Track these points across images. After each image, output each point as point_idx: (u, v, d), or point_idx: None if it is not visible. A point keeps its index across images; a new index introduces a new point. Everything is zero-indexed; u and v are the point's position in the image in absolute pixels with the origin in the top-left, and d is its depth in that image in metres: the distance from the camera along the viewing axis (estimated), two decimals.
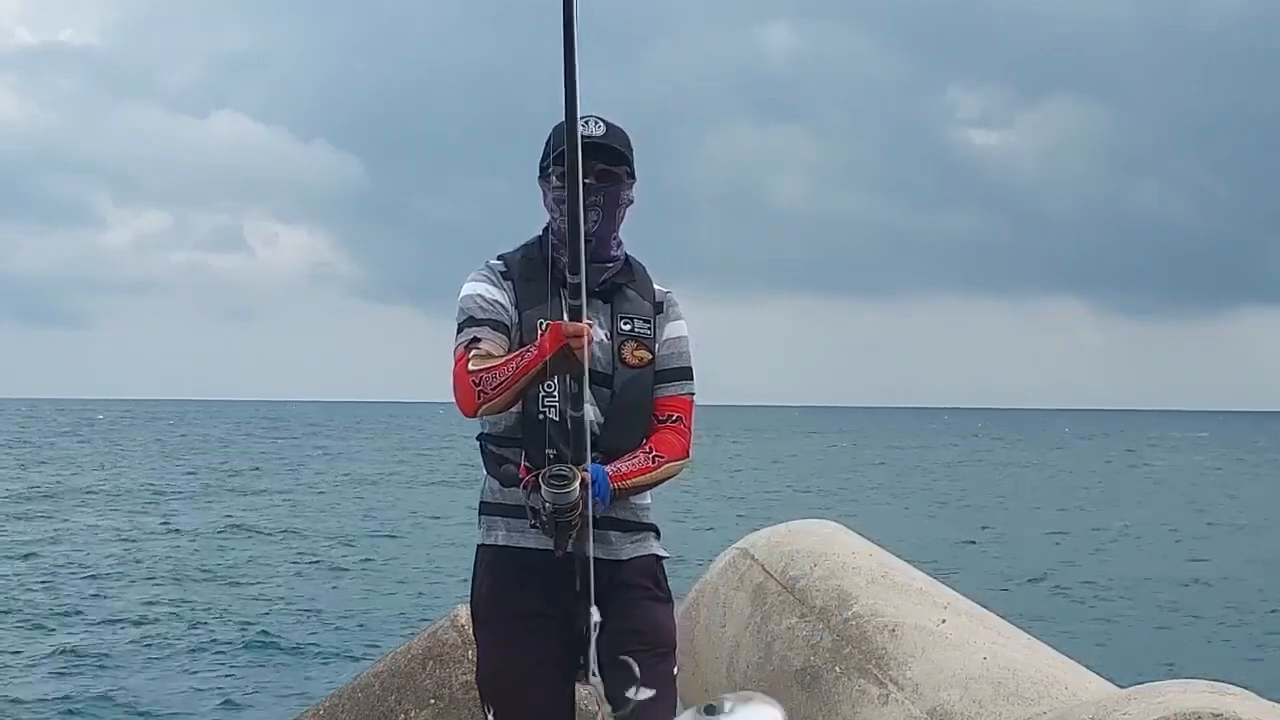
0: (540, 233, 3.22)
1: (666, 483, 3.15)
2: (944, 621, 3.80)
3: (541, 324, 2.99)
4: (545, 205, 3.15)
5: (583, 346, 2.81)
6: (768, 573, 4.30)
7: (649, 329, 3.17)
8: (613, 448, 3.06)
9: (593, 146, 3.00)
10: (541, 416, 2.98)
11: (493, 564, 3.12)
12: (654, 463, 3.10)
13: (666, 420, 3.17)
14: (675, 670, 3.15)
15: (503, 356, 2.98)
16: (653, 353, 3.17)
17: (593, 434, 3.00)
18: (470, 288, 3.14)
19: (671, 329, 3.21)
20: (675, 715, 3.00)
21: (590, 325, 2.86)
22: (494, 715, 3.07)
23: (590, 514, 2.87)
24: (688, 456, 3.19)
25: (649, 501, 3.21)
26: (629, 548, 3.14)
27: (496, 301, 3.11)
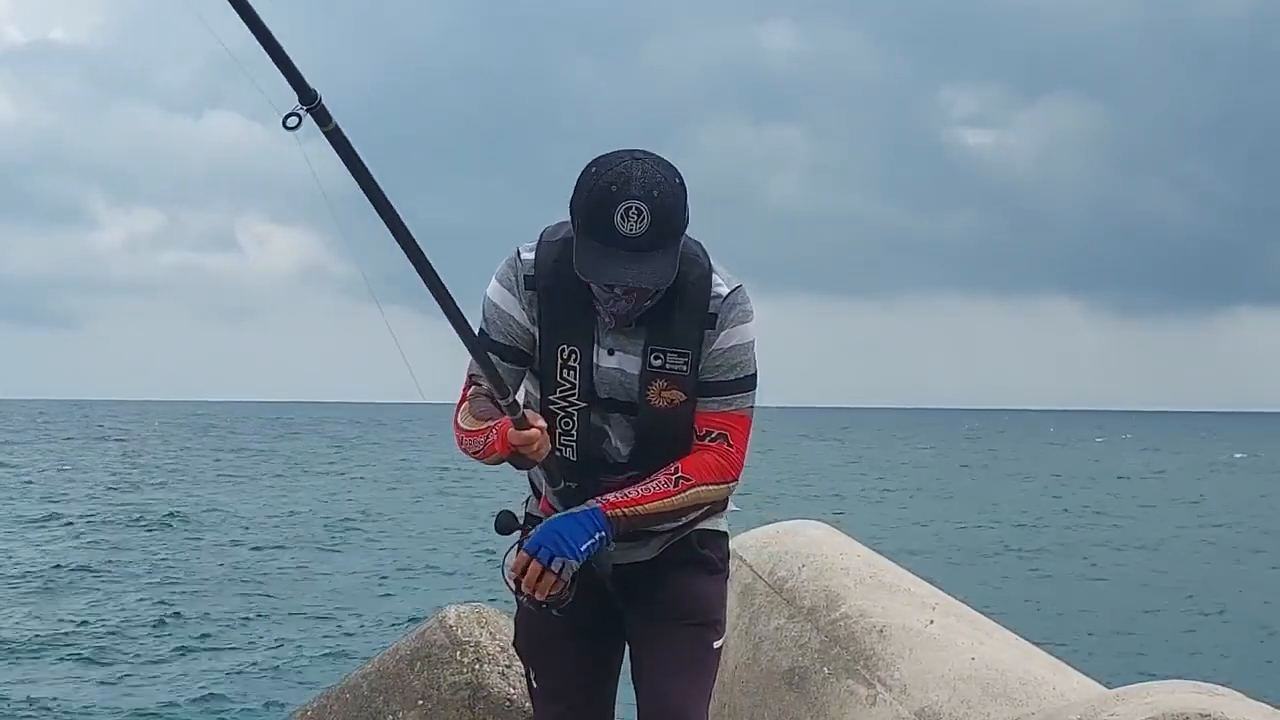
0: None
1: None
2: (932, 622, 3.79)
3: (563, 351, 2.70)
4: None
5: (535, 451, 2.58)
6: (756, 573, 4.29)
7: (684, 364, 2.69)
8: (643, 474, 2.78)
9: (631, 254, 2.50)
10: (559, 451, 2.73)
11: None
12: (677, 486, 2.70)
13: (705, 438, 2.74)
14: (716, 644, 2.87)
15: (483, 425, 2.69)
16: (686, 392, 2.70)
17: (618, 461, 2.78)
18: (490, 291, 2.76)
19: (724, 339, 2.70)
20: (708, 692, 2.86)
21: (539, 426, 2.58)
22: (534, 676, 3.00)
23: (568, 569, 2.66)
24: (731, 479, 2.76)
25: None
26: (667, 547, 2.87)
27: (509, 318, 2.73)
